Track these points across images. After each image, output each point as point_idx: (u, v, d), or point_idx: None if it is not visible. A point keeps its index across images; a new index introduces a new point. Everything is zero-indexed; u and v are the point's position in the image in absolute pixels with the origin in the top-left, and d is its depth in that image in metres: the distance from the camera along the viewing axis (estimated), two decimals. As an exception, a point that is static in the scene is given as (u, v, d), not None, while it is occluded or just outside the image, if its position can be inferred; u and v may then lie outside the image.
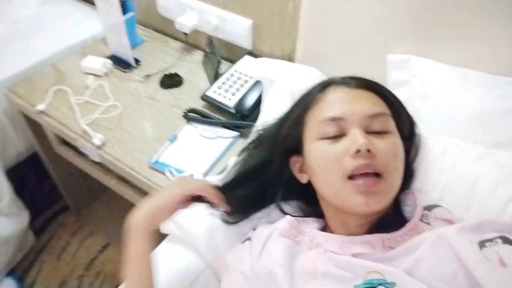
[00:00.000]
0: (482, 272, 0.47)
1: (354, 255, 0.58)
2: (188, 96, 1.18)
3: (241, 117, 1.06)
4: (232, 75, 1.14)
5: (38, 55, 1.28)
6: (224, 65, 1.22)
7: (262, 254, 0.64)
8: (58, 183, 1.53)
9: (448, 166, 0.69)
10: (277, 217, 0.71)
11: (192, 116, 1.09)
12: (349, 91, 0.62)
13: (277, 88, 0.89)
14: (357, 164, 0.55)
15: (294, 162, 0.68)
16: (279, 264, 0.59)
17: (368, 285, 0.53)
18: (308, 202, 0.72)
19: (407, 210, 0.64)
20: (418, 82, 0.85)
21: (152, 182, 0.96)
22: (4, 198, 1.29)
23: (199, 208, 0.77)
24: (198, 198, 0.68)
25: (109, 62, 1.26)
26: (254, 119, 1.04)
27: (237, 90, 1.10)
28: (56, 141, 1.28)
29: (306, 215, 0.71)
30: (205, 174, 0.95)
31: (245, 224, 0.74)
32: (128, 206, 1.78)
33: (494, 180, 0.65)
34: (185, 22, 1.24)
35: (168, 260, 0.80)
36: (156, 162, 0.98)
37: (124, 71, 1.26)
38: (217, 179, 0.89)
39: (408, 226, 0.59)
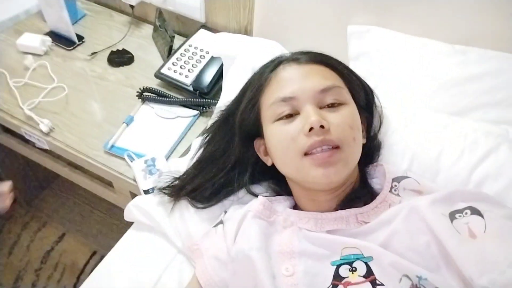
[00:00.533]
0: (453, 244, 0.50)
1: (329, 232, 0.58)
2: (141, 74, 1.11)
3: (199, 95, 1.02)
4: (186, 50, 1.08)
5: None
6: (177, 39, 1.15)
7: (237, 238, 0.62)
8: (2, 174, 1.41)
9: (414, 137, 0.70)
10: (248, 197, 0.70)
11: (148, 95, 1.03)
12: (298, 67, 0.62)
13: (238, 65, 0.85)
14: (311, 142, 0.56)
15: (259, 146, 0.68)
16: (255, 248, 0.58)
17: (345, 261, 0.54)
18: (278, 181, 0.71)
19: (376, 182, 0.65)
20: (378, 53, 0.85)
21: (110, 168, 0.91)
22: None
23: (165, 195, 0.74)
24: None
25: (48, 39, 1.15)
26: (214, 97, 1.00)
27: (193, 67, 1.05)
28: (-4, 129, 1.16)
29: (277, 194, 0.71)
30: (167, 157, 0.91)
31: (215, 207, 0.72)
32: (83, 194, 1.68)
33: (459, 149, 0.67)
34: (131, -7, 1.16)
35: (136, 248, 0.78)
36: (113, 146, 0.92)
37: (67, 49, 1.16)
38: (181, 161, 0.86)
39: (378, 198, 0.61)
